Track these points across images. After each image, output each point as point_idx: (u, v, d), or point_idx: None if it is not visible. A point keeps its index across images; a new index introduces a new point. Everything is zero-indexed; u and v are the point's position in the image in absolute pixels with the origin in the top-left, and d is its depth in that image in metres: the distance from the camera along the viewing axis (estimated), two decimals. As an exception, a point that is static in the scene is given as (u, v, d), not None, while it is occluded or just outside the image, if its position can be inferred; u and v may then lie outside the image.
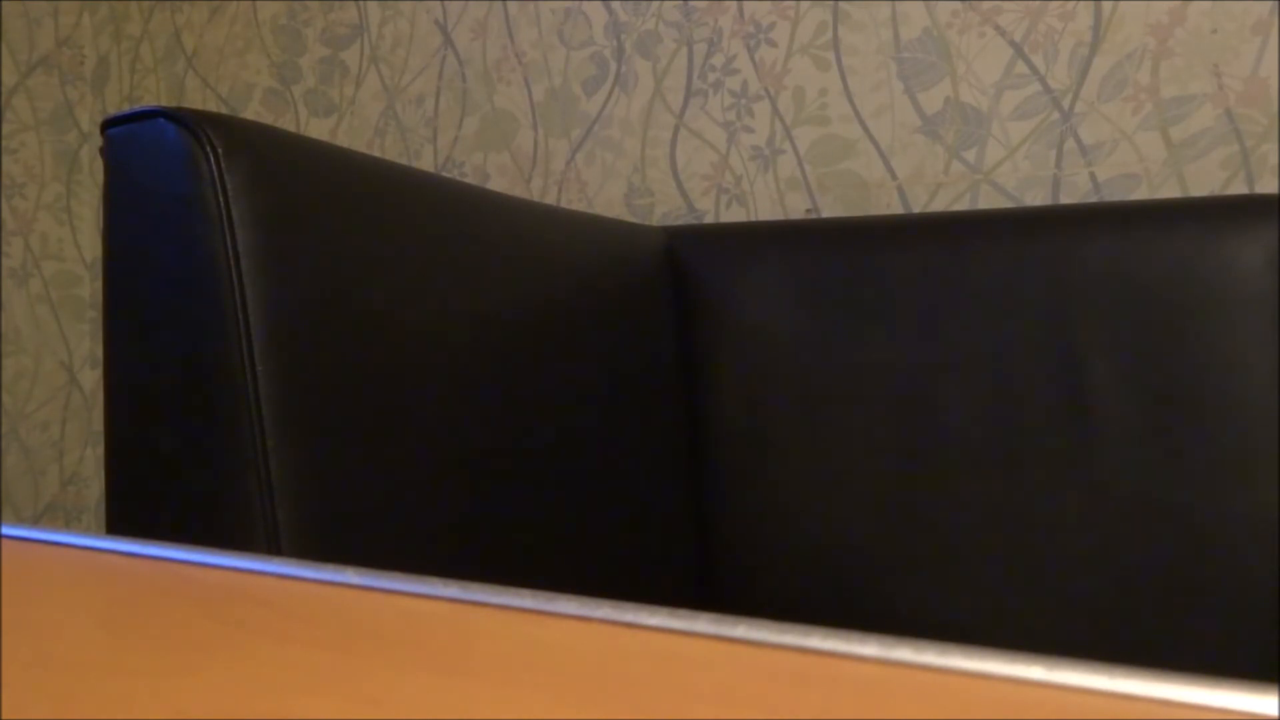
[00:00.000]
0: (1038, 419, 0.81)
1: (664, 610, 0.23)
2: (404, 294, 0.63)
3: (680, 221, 1.14)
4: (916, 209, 1.02)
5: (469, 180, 1.29)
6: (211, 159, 0.55)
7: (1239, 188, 0.88)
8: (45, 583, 0.28)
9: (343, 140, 1.39)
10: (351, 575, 0.27)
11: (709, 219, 1.12)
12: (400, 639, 0.22)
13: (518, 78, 1.25)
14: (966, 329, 0.84)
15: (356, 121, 1.37)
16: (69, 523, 1.62)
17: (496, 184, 1.27)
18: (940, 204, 1.00)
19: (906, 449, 0.85)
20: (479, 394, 0.68)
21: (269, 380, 0.55)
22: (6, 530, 0.34)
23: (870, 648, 0.21)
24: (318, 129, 1.41)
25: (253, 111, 1.47)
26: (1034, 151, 0.96)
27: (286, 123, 1.44)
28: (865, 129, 1.04)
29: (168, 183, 0.56)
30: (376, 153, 1.36)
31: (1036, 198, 0.96)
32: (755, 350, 0.91)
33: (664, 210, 1.15)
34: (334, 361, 0.58)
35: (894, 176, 1.02)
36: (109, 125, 0.59)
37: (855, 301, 0.88)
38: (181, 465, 0.55)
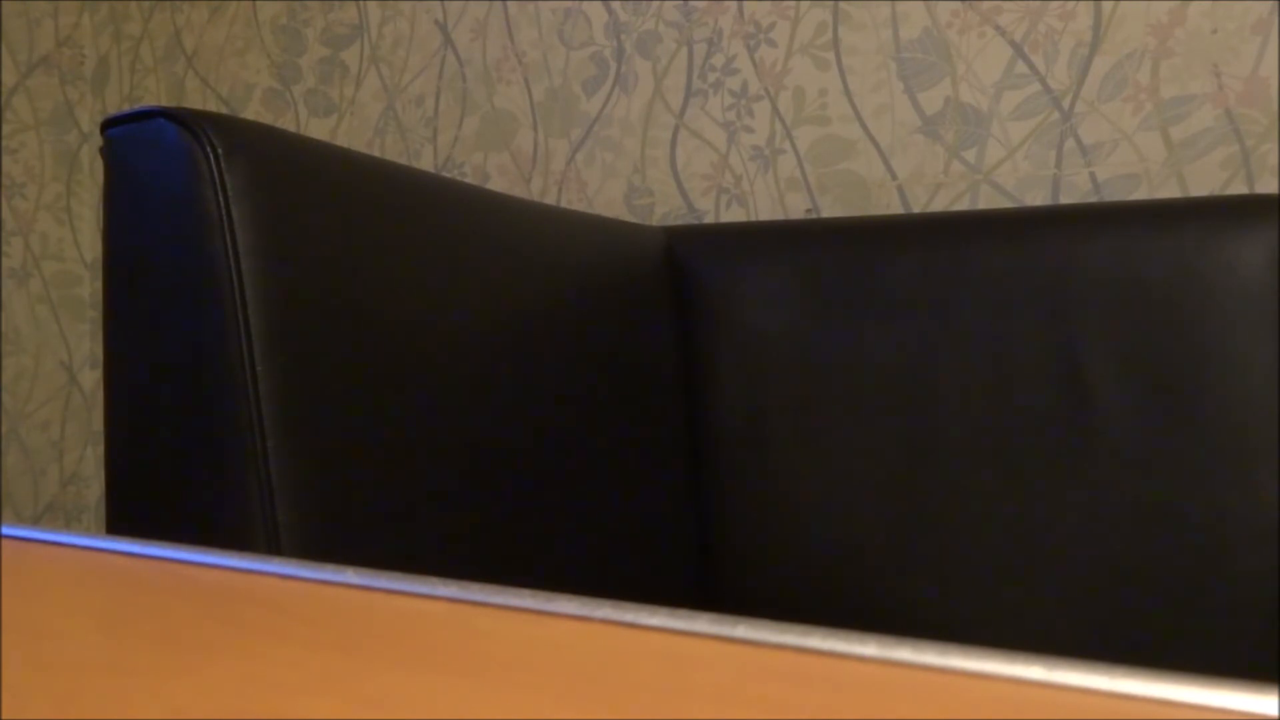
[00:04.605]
0: (1038, 418, 0.81)
1: (664, 610, 0.23)
2: (404, 294, 0.63)
3: (680, 221, 1.14)
4: (916, 209, 1.01)
5: (469, 180, 1.29)
6: (211, 159, 0.55)
7: (1239, 188, 0.88)
8: (45, 583, 0.28)
9: (343, 140, 1.39)
10: (351, 575, 0.27)
11: (709, 219, 1.12)
12: (400, 639, 0.22)
13: (518, 78, 1.25)
14: (966, 329, 0.84)
15: (356, 121, 1.37)
16: (69, 523, 1.62)
17: (496, 184, 1.26)
18: (940, 204, 1.00)
19: (906, 449, 0.85)
20: (479, 394, 0.68)
21: (269, 380, 0.55)
22: (6, 530, 0.34)
23: (870, 648, 0.21)
24: (318, 129, 1.41)
25: (253, 111, 1.47)
26: (1034, 151, 0.96)
27: (286, 123, 1.44)
28: (865, 129, 1.04)
29: (168, 183, 0.56)
30: (376, 153, 1.36)
31: (1036, 198, 0.96)
32: (755, 350, 0.91)
33: (664, 210, 1.15)
34: (334, 361, 0.58)
35: (894, 176, 1.02)
36: (109, 125, 0.59)
37: (855, 301, 0.88)
38: (181, 465, 0.55)
